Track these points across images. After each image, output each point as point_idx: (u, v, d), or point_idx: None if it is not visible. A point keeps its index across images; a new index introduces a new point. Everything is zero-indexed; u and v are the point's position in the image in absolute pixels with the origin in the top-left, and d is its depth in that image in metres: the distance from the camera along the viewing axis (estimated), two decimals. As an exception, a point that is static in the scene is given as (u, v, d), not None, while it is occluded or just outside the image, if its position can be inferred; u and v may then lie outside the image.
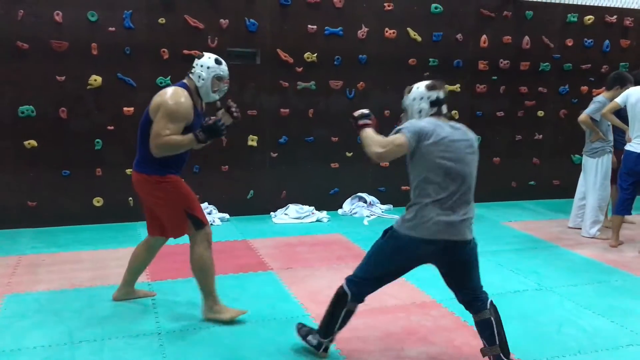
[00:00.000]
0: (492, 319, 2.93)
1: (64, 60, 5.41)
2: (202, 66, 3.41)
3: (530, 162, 7.33)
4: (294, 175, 6.34)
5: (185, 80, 3.44)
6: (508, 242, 5.45)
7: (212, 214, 5.98)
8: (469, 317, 3.65)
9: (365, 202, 6.53)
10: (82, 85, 5.51)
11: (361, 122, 3.04)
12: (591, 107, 5.50)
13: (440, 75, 6.64)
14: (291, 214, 6.16)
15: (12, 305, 3.73)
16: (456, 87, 6.79)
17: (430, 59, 6.62)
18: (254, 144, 6.16)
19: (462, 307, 3.80)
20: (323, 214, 6.24)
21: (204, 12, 5.79)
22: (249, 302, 3.88)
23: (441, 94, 2.97)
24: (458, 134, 2.88)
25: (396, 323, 3.59)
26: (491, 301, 2.98)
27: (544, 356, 3.20)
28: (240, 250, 5.07)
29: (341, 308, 3.00)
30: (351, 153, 6.52)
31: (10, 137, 5.40)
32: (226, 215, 6.06)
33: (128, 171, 5.76)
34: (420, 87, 2.98)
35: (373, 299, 3.92)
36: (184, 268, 4.48)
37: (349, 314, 3.02)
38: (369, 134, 2.95)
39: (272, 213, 6.26)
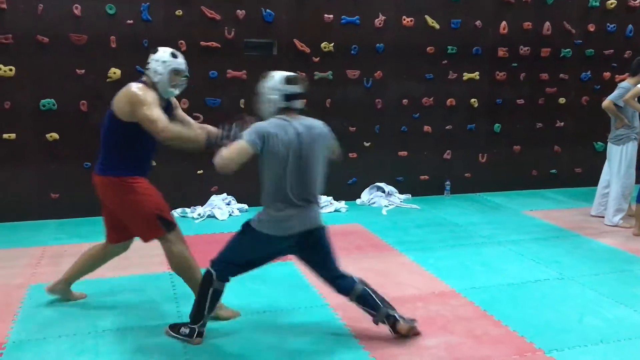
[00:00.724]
0: (367, 288, 3.17)
1: (84, 54, 5.47)
2: (157, 61, 3.29)
3: (551, 150, 7.23)
4: (312, 165, 6.33)
5: (142, 78, 3.37)
6: (529, 232, 5.39)
7: (231, 205, 6.02)
8: (488, 307, 3.66)
9: (383, 192, 6.51)
10: (102, 78, 5.56)
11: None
12: (615, 93, 5.40)
13: (459, 62, 6.63)
14: (309, 204, 6.17)
15: (37, 295, 3.80)
16: (475, 75, 6.71)
17: (449, 47, 6.54)
18: (272, 134, 6.16)
19: (482, 296, 3.83)
20: (341, 204, 6.24)
21: (220, 3, 5.79)
22: (268, 292, 3.91)
23: (297, 89, 2.99)
24: (303, 130, 2.95)
25: (415, 313, 3.58)
26: (359, 278, 3.22)
27: (565, 346, 3.17)
28: (259, 240, 5.09)
29: (208, 288, 3.05)
30: (369, 143, 6.49)
31: (32, 130, 5.48)
32: (245, 206, 6.09)
33: (148, 163, 5.82)
34: (277, 78, 3.00)
35: (391, 289, 3.95)
36: (203, 258, 4.52)
37: (217, 293, 3.08)
38: (221, 151, 2.99)
39: (290, 203, 6.27)
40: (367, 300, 3.15)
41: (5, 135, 5.39)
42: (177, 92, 3.40)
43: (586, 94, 7.16)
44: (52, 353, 3.07)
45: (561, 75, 7.02)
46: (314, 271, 3.23)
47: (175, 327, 3.19)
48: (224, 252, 3.13)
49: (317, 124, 3.07)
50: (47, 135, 5.51)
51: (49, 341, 3.19)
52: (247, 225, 3.09)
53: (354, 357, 3.05)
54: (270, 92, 3.00)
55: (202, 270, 3.20)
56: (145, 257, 4.52)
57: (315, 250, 3.14)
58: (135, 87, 3.24)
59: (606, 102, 5.42)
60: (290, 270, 4.35)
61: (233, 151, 2.89)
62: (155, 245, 4.96)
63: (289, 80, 2.99)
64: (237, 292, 3.88)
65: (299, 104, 3.03)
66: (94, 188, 6.09)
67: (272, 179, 2.97)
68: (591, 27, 6.99)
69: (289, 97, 2.99)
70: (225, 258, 3.11)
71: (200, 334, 3.11)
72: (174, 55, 3.36)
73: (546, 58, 6.91)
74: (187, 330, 3.11)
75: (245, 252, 3.11)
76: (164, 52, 3.35)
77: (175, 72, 3.34)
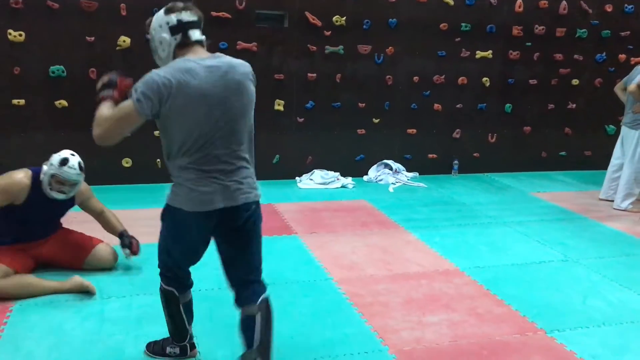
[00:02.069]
0: (259, 316, 2.37)
1: (94, 21, 5.43)
2: (48, 161, 3.38)
3: (561, 132, 7.16)
4: (320, 140, 6.32)
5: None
6: (535, 213, 5.37)
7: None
8: (492, 286, 3.68)
9: (391, 169, 6.49)
10: (112, 46, 5.53)
11: (102, 94, 2.35)
12: (639, 77, 5.30)
13: (473, 40, 6.53)
14: (316, 180, 6.17)
15: (45, 261, 3.84)
16: (488, 54, 6.62)
17: (463, 24, 6.44)
18: (281, 108, 6.14)
19: (485, 276, 3.84)
20: (348, 180, 6.23)
21: (232, -27, 5.71)
22: (273, 265, 3.92)
23: (185, 16, 2.26)
24: (221, 68, 2.24)
25: (418, 289, 3.61)
26: (266, 298, 2.43)
27: (567, 327, 3.18)
28: (265, 214, 5.01)
29: (177, 306, 2.55)
30: (378, 119, 6.45)
31: (41, 97, 5.47)
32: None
33: (156, 133, 5.81)
34: (159, 13, 2.30)
35: (397, 265, 3.97)
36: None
37: (188, 305, 2.61)
38: (100, 110, 2.28)
39: (297, 178, 6.27)
40: (247, 328, 2.40)
41: (14, 101, 5.40)
42: (58, 197, 3.38)
43: (600, 75, 7.06)
44: (58, 317, 3.12)
45: (575, 56, 6.91)
46: (224, 268, 2.51)
47: (156, 346, 2.75)
48: (159, 261, 2.52)
49: (238, 62, 2.33)
50: (56, 102, 5.51)
51: (55, 305, 3.24)
52: (163, 212, 2.40)
53: (356, 331, 3.08)
54: (158, 33, 2.28)
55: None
56: (153, 227, 4.53)
57: (233, 234, 2.41)
58: (18, 175, 3.38)
59: (632, 87, 5.31)
60: (295, 243, 4.38)
61: (111, 120, 2.20)
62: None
63: (171, 9, 2.27)
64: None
65: (197, 34, 2.30)
66: (100, 157, 6.11)
67: (181, 141, 2.21)
68: (608, 8, 6.85)
69: (179, 27, 2.25)
70: (163, 264, 2.51)
71: (192, 346, 2.73)
72: (62, 163, 3.34)
73: (561, 38, 6.79)
74: (178, 350, 2.68)
75: (170, 242, 2.45)
76: (58, 156, 3.37)
77: (54, 178, 3.36)
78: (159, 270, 2.56)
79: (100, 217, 3.81)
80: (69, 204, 3.58)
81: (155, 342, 2.79)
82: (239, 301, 2.46)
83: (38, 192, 3.39)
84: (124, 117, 2.20)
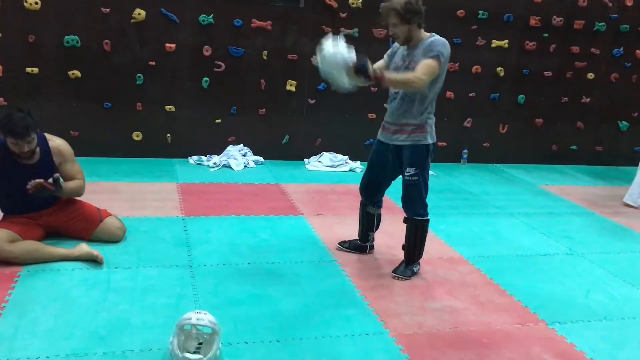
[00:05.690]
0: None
1: (109, -8, 5.41)
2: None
3: (574, 126, 7.10)
4: (330, 123, 6.30)
5: None
6: (543, 206, 5.36)
7: (247, 156, 6.03)
8: (495, 275, 3.69)
9: (400, 155, 6.47)
10: (127, 18, 5.51)
11: (376, 75, 3.20)
12: None
13: (489, 29, 6.45)
14: (325, 162, 6.17)
15: (53, 229, 3.88)
16: (504, 43, 6.54)
17: (480, 12, 6.36)
18: (293, 89, 6.12)
19: (489, 265, 3.86)
20: (356, 164, 6.22)
21: (250, -50, 5.66)
22: (278, 244, 3.95)
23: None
24: None
25: (422, 276, 3.62)
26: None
27: (568, 319, 3.19)
28: (273, 193, 5.13)
29: (426, 232, 3.59)
30: (390, 104, 6.42)
31: (55, 66, 5.47)
32: (260, 159, 6.10)
33: (167, 108, 5.82)
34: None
35: (400, 251, 3.96)
36: (216, 206, 4.60)
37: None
38: (401, 75, 3.34)
39: (305, 159, 6.27)
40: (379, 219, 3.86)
41: (28, 69, 5.41)
42: (26, 157, 3.34)
43: (616, 70, 6.97)
44: (65, 284, 3.16)
45: (593, 49, 6.82)
46: (390, 177, 3.72)
47: (407, 272, 3.58)
48: (420, 199, 3.51)
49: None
50: (70, 72, 5.51)
51: (62, 273, 3.28)
52: (421, 154, 3.50)
53: (357, 313, 3.10)
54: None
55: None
56: (161, 201, 4.59)
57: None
58: None
59: None
60: (301, 223, 4.39)
61: (430, 72, 3.19)
62: (172, 190, 5.04)
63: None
64: (249, 242, 3.94)
65: None
66: (111, 129, 6.12)
67: (434, 93, 3.38)
68: (629, 2, 6.74)
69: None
70: (423, 200, 3.52)
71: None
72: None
73: (579, 30, 6.70)
74: (418, 266, 3.64)
75: (428, 176, 3.54)
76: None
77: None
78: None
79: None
80: (48, 166, 3.46)
81: (403, 269, 3.60)
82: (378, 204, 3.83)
83: (9, 158, 3.37)
84: (434, 72, 3.22)
